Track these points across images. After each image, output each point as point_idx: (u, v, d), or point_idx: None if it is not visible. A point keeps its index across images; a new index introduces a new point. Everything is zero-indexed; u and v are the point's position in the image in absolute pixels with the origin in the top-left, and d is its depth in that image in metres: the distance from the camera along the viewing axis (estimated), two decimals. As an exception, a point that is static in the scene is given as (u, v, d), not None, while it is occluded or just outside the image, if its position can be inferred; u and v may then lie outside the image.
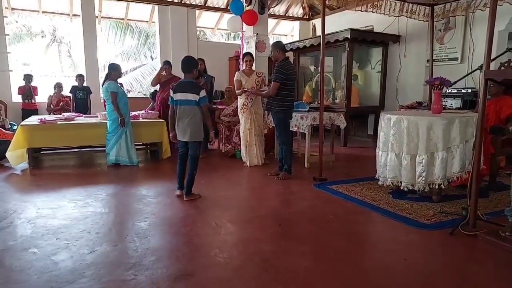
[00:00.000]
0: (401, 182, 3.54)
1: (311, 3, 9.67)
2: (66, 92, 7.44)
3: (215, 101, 6.86)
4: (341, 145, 7.10)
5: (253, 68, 5.32)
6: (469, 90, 5.79)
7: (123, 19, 9.93)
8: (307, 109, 5.53)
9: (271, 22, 9.89)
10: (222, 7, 9.30)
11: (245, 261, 2.39)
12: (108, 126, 5.18)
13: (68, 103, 7.32)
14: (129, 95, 7.62)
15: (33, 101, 7.28)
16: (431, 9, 5.30)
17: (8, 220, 3.08)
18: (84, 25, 7.90)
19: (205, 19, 10.11)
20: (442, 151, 3.34)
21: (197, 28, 9.60)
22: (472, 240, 2.72)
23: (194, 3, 8.97)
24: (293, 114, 4.82)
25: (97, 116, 5.86)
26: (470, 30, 6.19)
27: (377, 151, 3.83)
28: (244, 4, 6.18)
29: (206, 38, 13.92)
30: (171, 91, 3.74)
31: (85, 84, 7.33)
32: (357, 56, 7.64)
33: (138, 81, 14.34)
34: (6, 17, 7.86)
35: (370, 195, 3.80)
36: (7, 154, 4.95)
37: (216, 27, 10.73)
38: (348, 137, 7.46)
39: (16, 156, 5.00)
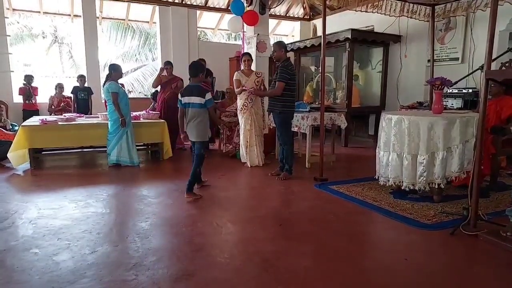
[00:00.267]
0: (402, 182, 3.54)
1: (312, 3, 9.67)
2: (67, 92, 7.45)
3: (215, 101, 6.85)
4: (342, 145, 7.10)
5: (253, 68, 5.31)
6: (470, 90, 5.79)
7: (124, 19, 9.94)
8: (308, 109, 5.52)
9: (272, 22, 9.89)
10: (222, 7, 9.31)
11: (246, 261, 2.39)
12: (109, 127, 5.19)
13: (69, 103, 7.33)
14: (130, 95, 7.65)
15: (33, 101, 7.29)
16: (431, 9, 5.30)
17: (9, 221, 3.09)
18: (85, 26, 7.91)
19: (206, 19, 10.12)
20: (443, 151, 3.34)
21: (198, 29, 9.61)
22: (473, 240, 2.72)
23: (194, 3, 8.98)
24: (294, 114, 4.81)
25: (98, 117, 5.87)
26: (471, 30, 6.19)
27: (377, 151, 3.83)
28: (245, 4, 6.18)
29: (207, 39, 13.94)
30: (179, 95, 3.87)
31: (86, 84, 7.33)
32: (357, 56, 7.64)
33: (139, 81, 14.38)
34: (7, 17, 7.87)
35: (371, 195, 3.80)
36: (9, 155, 4.96)
37: (216, 28, 10.74)
38: (349, 137, 7.46)
39: (18, 156, 5.01)
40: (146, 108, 6.86)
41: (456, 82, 3.57)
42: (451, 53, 6.52)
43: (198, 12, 9.26)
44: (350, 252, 2.57)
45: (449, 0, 5.15)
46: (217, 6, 9.30)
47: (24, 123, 5.29)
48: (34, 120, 5.56)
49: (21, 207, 3.45)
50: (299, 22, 10.31)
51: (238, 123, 5.82)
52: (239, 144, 5.52)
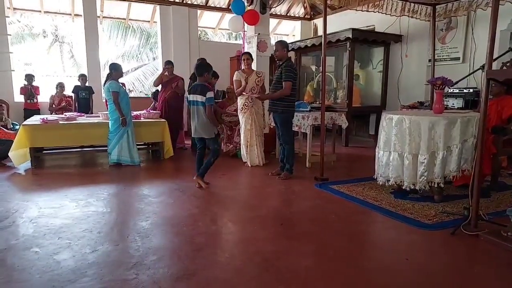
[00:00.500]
0: (403, 182, 3.54)
1: (313, 3, 9.66)
2: (68, 92, 7.45)
3: (216, 100, 6.84)
4: (343, 145, 7.10)
5: (253, 67, 5.31)
6: (471, 90, 5.78)
7: (124, 19, 9.94)
8: (308, 109, 5.52)
9: (273, 22, 9.88)
10: (223, 7, 9.31)
11: (247, 261, 2.39)
12: (109, 126, 5.19)
13: (70, 103, 7.33)
14: (130, 95, 7.66)
15: (35, 100, 7.29)
16: (432, 9, 5.29)
17: (10, 220, 3.09)
18: (86, 25, 7.91)
19: (207, 19, 10.12)
20: (443, 151, 3.34)
21: (199, 28, 9.61)
22: (474, 240, 2.72)
23: (195, 3, 8.98)
24: (295, 114, 4.81)
25: (99, 116, 5.87)
26: (472, 30, 6.18)
27: (377, 151, 3.82)
28: (246, 4, 6.18)
29: (208, 38, 13.94)
30: (186, 92, 3.94)
31: (87, 84, 7.34)
32: (358, 55, 7.64)
33: (140, 81, 14.39)
34: (8, 17, 7.86)
35: (371, 195, 3.80)
36: (10, 154, 4.97)
37: (217, 27, 10.73)
38: (350, 137, 7.46)
39: (19, 155, 5.01)
40: (147, 107, 6.86)
41: (457, 82, 3.57)
42: (452, 52, 6.51)
43: (199, 11, 9.25)
44: (351, 252, 2.57)
45: (450, 0, 5.15)
46: (217, 6, 9.29)
47: (25, 122, 5.29)
48: (35, 119, 5.56)
49: (21, 206, 3.45)
50: (300, 21, 10.30)
51: (239, 123, 5.83)
52: (239, 144, 5.52)
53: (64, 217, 3.14)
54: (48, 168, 5.28)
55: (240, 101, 5.22)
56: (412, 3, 5.37)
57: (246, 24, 6.38)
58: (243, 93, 4.99)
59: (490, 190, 3.89)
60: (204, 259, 2.40)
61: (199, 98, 3.91)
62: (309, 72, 9.19)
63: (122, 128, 5.12)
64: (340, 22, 8.07)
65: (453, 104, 5.92)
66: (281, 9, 9.78)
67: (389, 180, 3.64)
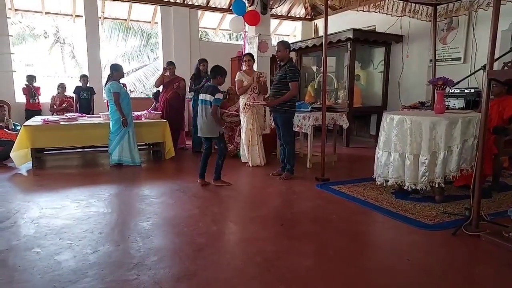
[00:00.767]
0: (404, 182, 3.53)
1: (313, 3, 9.66)
2: (69, 92, 7.46)
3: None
4: (344, 145, 7.09)
5: (255, 68, 5.32)
6: (472, 90, 5.78)
7: (125, 19, 9.95)
8: (309, 109, 5.52)
9: (274, 22, 9.88)
10: (224, 7, 9.31)
11: (247, 261, 2.39)
12: (110, 126, 5.20)
13: (71, 103, 7.34)
14: (131, 95, 7.66)
15: (37, 101, 7.30)
16: (433, 9, 5.29)
17: (11, 220, 3.10)
18: (87, 26, 7.92)
19: (208, 19, 10.12)
20: (444, 151, 3.34)
21: (200, 29, 9.62)
22: (475, 241, 2.71)
23: (196, 3, 8.98)
24: (295, 114, 4.81)
25: (100, 117, 5.88)
26: (473, 30, 6.18)
27: (376, 151, 3.82)
28: (247, 4, 6.18)
29: (209, 39, 13.95)
30: (188, 93, 4.02)
31: (88, 84, 7.35)
32: (359, 56, 7.63)
33: (141, 81, 14.41)
34: (9, 18, 7.87)
35: (372, 195, 3.80)
36: (11, 154, 4.98)
37: (218, 28, 10.74)
38: (351, 137, 7.45)
39: (20, 156, 5.02)
40: (148, 108, 6.86)
41: (458, 82, 3.57)
42: (453, 53, 6.51)
43: (200, 12, 9.26)
44: (352, 252, 2.57)
45: (451, 0, 5.14)
46: (218, 6, 9.29)
47: (26, 123, 5.31)
48: (36, 120, 5.57)
49: (23, 206, 3.45)
50: (301, 22, 10.31)
51: (239, 123, 5.83)
52: (240, 144, 5.52)
53: (65, 218, 3.15)
54: (49, 168, 5.28)
55: (241, 101, 5.24)
56: (413, 4, 5.36)
57: (247, 25, 6.39)
58: (252, 102, 5.01)
59: (492, 191, 3.88)
60: (205, 260, 2.40)
61: (208, 97, 4.03)
62: (310, 73, 9.18)
63: (123, 129, 5.13)
64: (341, 22, 8.06)
65: (454, 104, 5.91)
66: (282, 9, 9.77)
67: (388, 181, 3.64)
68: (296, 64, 7.82)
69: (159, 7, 8.75)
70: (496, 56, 2.78)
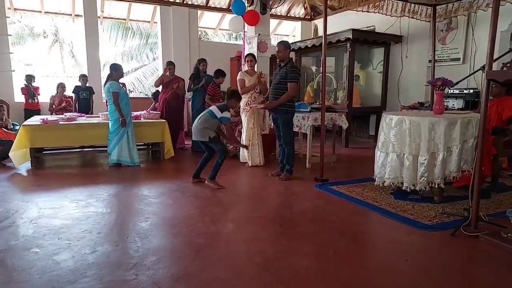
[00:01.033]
0: (401, 183, 3.54)
1: (313, 4, 9.66)
2: (68, 92, 7.45)
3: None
4: (343, 146, 7.10)
5: (255, 69, 5.34)
6: (471, 91, 5.78)
7: (125, 19, 9.94)
8: (308, 110, 5.53)
9: (273, 22, 9.88)
10: (224, 7, 9.31)
11: (247, 261, 2.39)
12: (109, 126, 5.19)
13: (70, 103, 7.33)
14: (130, 95, 7.65)
15: (36, 101, 7.29)
16: (433, 10, 5.29)
17: (10, 220, 3.09)
18: (86, 26, 7.92)
19: (207, 19, 10.12)
20: (443, 151, 3.34)
21: (199, 29, 9.61)
22: (474, 241, 2.71)
23: (196, 3, 8.98)
24: (295, 114, 4.81)
25: (99, 116, 5.87)
26: (472, 31, 6.18)
27: (375, 151, 3.82)
28: (246, 4, 6.18)
29: (208, 39, 13.94)
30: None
31: (87, 84, 7.34)
32: (358, 56, 7.64)
33: (140, 81, 14.40)
34: (9, 17, 7.86)
35: (371, 196, 3.80)
36: (10, 154, 4.97)
37: (218, 28, 10.74)
38: (350, 138, 7.45)
39: (19, 156, 5.01)
40: (147, 107, 6.86)
41: (457, 83, 3.57)
42: (452, 53, 6.51)
43: (199, 12, 9.26)
44: (351, 253, 2.57)
45: (450, 0, 5.15)
46: (218, 6, 9.29)
47: (25, 123, 5.29)
48: (35, 120, 5.56)
49: (21, 206, 3.45)
50: (300, 22, 10.31)
51: (239, 123, 5.83)
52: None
53: (64, 218, 3.14)
54: (48, 168, 5.28)
55: (242, 100, 5.24)
56: (412, 4, 5.37)
57: (246, 25, 6.39)
58: (251, 106, 5.02)
59: (490, 191, 3.88)
60: (204, 260, 2.40)
61: (215, 111, 4.11)
62: (309, 73, 9.19)
63: (122, 129, 5.12)
64: (340, 22, 8.07)
65: (453, 105, 5.92)
66: (281, 9, 9.78)
67: (385, 182, 3.64)
68: (296, 64, 7.83)
69: (158, 7, 8.75)
70: (495, 57, 2.78)
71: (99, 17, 8.65)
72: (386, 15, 5.45)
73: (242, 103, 5.26)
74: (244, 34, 6.66)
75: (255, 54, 6.30)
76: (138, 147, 5.52)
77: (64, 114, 6.20)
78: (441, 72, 5.56)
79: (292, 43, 8.62)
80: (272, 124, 5.16)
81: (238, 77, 5.25)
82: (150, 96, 8.63)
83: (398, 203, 3.55)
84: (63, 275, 2.17)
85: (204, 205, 3.59)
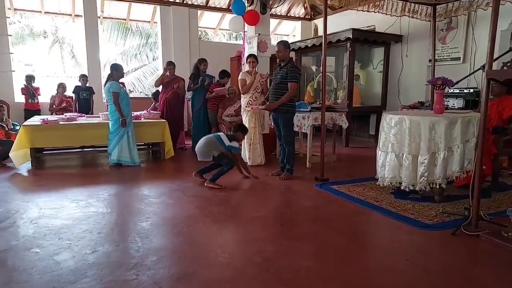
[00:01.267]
0: (400, 183, 3.53)
1: (313, 3, 9.66)
2: (68, 92, 7.45)
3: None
4: (343, 145, 7.09)
5: (256, 69, 5.36)
6: (471, 90, 5.78)
7: (125, 19, 9.94)
8: (309, 109, 5.53)
9: (273, 22, 9.87)
10: (223, 7, 9.31)
11: (247, 261, 2.39)
12: (110, 126, 5.20)
13: (71, 103, 7.33)
14: (130, 95, 7.65)
15: (36, 101, 7.29)
16: (433, 9, 5.29)
17: (10, 220, 3.09)
18: (86, 26, 7.92)
19: (207, 19, 10.12)
20: (444, 151, 3.33)
21: (199, 28, 9.61)
22: (475, 241, 2.71)
23: (196, 3, 8.98)
24: (295, 114, 4.81)
25: (99, 116, 5.87)
26: (473, 30, 6.18)
27: (377, 151, 3.82)
28: (246, 4, 6.17)
29: (208, 38, 13.93)
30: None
31: (88, 84, 7.34)
32: (359, 56, 7.63)
33: (140, 81, 14.38)
34: (9, 17, 7.87)
35: (372, 195, 3.80)
36: (11, 154, 4.97)
37: (218, 27, 10.74)
38: (350, 137, 7.45)
39: (19, 156, 5.01)
40: (147, 107, 6.86)
41: (457, 82, 3.57)
42: (452, 53, 6.51)
43: (199, 12, 9.25)
44: (351, 252, 2.57)
45: (450, 0, 5.14)
46: (218, 6, 9.29)
47: (25, 123, 5.29)
48: (35, 120, 5.56)
49: (22, 206, 3.45)
50: (300, 22, 10.30)
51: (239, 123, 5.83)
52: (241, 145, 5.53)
53: (64, 218, 3.14)
54: (49, 168, 5.28)
55: (244, 100, 5.27)
56: (412, 3, 5.36)
57: (246, 25, 6.38)
58: (252, 107, 5.03)
59: (491, 191, 3.89)
60: (204, 260, 2.40)
61: (223, 138, 4.28)
62: (309, 72, 9.18)
63: (122, 129, 5.12)
64: (341, 22, 8.06)
65: (453, 104, 5.92)
66: (281, 9, 9.77)
67: (385, 181, 3.64)
68: (296, 64, 7.83)
69: (158, 7, 8.75)
70: (495, 56, 2.78)
71: (99, 17, 8.65)
72: (386, 14, 5.44)
73: (243, 103, 5.28)
74: (244, 34, 6.65)
75: (256, 54, 6.31)
76: (138, 147, 5.52)
77: (64, 114, 6.20)
78: (441, 71, 5.56)
79: (292, 42, 8.62)
80: (272, 124, 5.17)
81: (239, 77, 5.28)
82: (150, 96, 8.63)
83: (399, 203, 3.55)
84: (64, 275, 2.17)
85: (204, 205, 3.59)
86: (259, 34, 6.08)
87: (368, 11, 5.26)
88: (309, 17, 10.22)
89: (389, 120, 3.64)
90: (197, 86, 6.24)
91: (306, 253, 2.53)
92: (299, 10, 10.13)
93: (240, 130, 4.55)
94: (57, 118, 5.50)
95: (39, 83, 7.65)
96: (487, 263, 2.45)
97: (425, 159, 3.38)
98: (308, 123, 5.00)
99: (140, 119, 5.76)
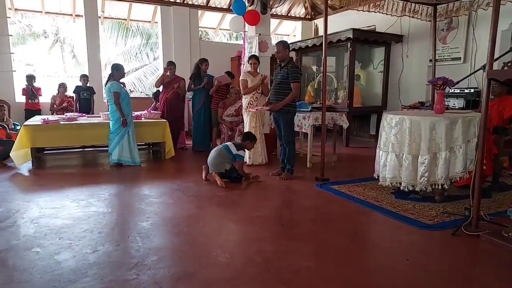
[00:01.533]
0: (400, 183, 3.53)
1: (313, 3, 9.66)
2: (69, 92, 7.46)
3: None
4: (343, 145, 7.09)
5: (258, 70, 5.39)
6: (472, 90, 5.77)
7: (125, 19, 9.95)
8: (309, 109, 5.53)
9: (273, 22, 9.87)
10: (224, 7, 9.31)
11: (247, 261, 2.39)
12: (110, 126, 5.20)
13: (71, 103, 7.34)
14: (131, 95, 7.65)
15: (36, 101, 7.30)
16: (433, 9, 5.28)
17: (11, 220, 3.10)
18: (86, 26, 7.92)
19: (208, 19, 10.12)
20: (445, 151, 3.33)
21: (200, 28, 9.62)
22: (475, 241, 2.71)
23: (196, 3, 8.98)
24: (296, 114, 4.81)
25: (99, 116, 5.88)
26: (473, 30, 6.17)
27: (377, 150, 3.82)
28: (246, 4, 6.18)
29: (209, 38, 13.94)
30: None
31: (88, 84, 7.35)
32: (359, 56, 7.63)
33: (141, 81, 14.39)
34: (9, 17, 7.87)
35: (372, 195, 3.80)
36: (11, 154, 4.97)
37: (218, 27, 10.74)
38: (350, 137, 7.45)
39: (20, 156, 5.01)
40: (148, 107, 6.87)
41: (458, 82, 3.56)
42: (453, 53, 6.51)
43: (200, 12, 9.25)
44: (352, 252, 2.57)
45: (451, 0, 5.14)
46: (218, 6, 9.29)
47: (26, 123, 5.30)
48: (36, 120, 5.56)
49: (23, 206, 3.45)
50: (301, 21, 10.30)
51: (240, 123, 5.84)
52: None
53: (65, 218, 3.15)
54: (49, 168, 5.28)
55: (245, 100, 5.28)
56: (413, 3, 5.36)
57: (246, 24, 6.38)
58: (258, 108, 5.04)
59: (491, 191, 3.88)
60: (204, 259, 2.40)
61: (232, 147, 4.39)
62: (309, 72, 9.18)
63: (123, 129, 5.13)
64: (341, 22, 8.06)
65: (454, 104, 5.91)
66: (281, 9, 9.77)
67: (386, 181, 3.63)
68: (296, 64, 7.83)
69: (159, 7, 8.75)
70: (496, 56, 2.77)
71: (99, 17, 8.65)
72: (387, 14, 5.44)
73: (244, 103, 5.29)
74: (244, 34, 6.66)
75: (256, 54, 6.32)
76: (139, 147, 5.53)
77: (65, 114, 6.21)
78: (442, 71, 5.55)
79: (293, 42, 8.62)
80: (273, 124, 5.17)
81: (241, 78, 5.30)
82: (150, 96, 8.64)
83: (399, 203, 3.55)
84: (64, 274, 2.17)
85: (205, 205, 3.59)
86: (260, 34, 6.08)
87: (368, 11, 5.26)
88: (309, 17, 10.22)
89: (389, 120, 3.64)
90: (199, 87, 6.25)
91: (306, 253, 2.53)
92: (299, 10, 10.13)
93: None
94: (57, 118, 5.50)
95: (40, 83, 7.65)
96: (488, 263, 2.45)
97: (425, 159, 3.37)
98: (309, 123, 5.00)
99: (141, 119, 5.76)
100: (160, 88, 6.60)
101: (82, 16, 8.05)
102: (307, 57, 9.12)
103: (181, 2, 8.76)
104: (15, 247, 2.57)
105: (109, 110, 5.25)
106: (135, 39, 14.86)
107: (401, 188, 3.55)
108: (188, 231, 2.91)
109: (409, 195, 3.71)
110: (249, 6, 6.11)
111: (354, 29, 6.90)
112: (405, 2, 5.34)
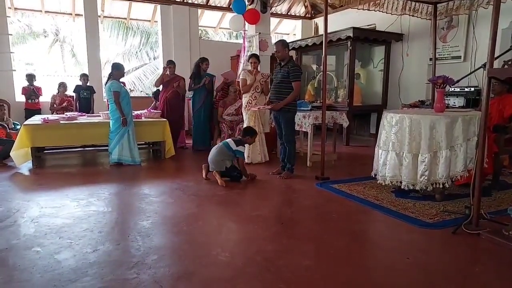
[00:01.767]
0: (401, 182, 3.53)
1: (313, 2, 9.64)
2: (69, 91, 7.46)
3: (215, 99, 6.83)
4: (343, 144, 7.09)
5: (258, 69, 5.38)
6: (472, 89, 5.77)
7: (125, 18, 9.94)
8: (309, 108, 5.52)
9: (273, 21, 9.88)
10: (224, 6, 9.30)
11: (247, 260, 2.39)
12: (110, 125, 5.20)
13: (71, 102, 7.34)
14: (131, 94, 7.65)
15: (36, 101, 7.30)
16: (434, 7, 5.27)
17: (11, 219, 3.10)
18: (86, 25, 7.93)
19: (207, 18, 10.11)
20: (446, 150, 3.33)
21: (199, 27, 9.61)
22: (475, 239, 2.71)
23: (196, 2, 8.97)
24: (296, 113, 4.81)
25: (99, 116, 5.88)
26: (473, 28, 6.17)
27: (376, 149, 3.81)
28: (246, 3, 6.17)
29: (208, 37, 13.93)
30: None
31: (88, 83, 7.35)
32: (359, 54, 7.62)
33: (141, 80, 14.39)
34: (9, 16, 7.86)
35: (372, 194, 3.79)
36: (12, 154, 4.97)
37: (218, 26, 10.74)
38: (350, 136, 7.45)
39: (20, 155, 5.01)
40: (148, 106, 6.86)
41: (458, 81, 3.56)
42: (453, 51, 6.50)
43: (200, 10, 9.25)
44: (352, 251, 2.57)
45: (451, -2, 5.13)
46: (218, 5, 9.29)
47: (26, 122, 5.30)
48: (36, 119, 5.56)
49: (23, 205, 3.45)
50: (301, 20, 10.29)
51: (239, 122, 5.84)
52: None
53: (65, 217, 3.15)
54: (49, 167, 5.28)
55: (244, 99, 5.27)
56: (413, 2, 5.35)
57: (246, 23, 6.37)
58: (259, 107, 5.04)
59: (492, 189, 3.88)
60: (205, 258, 2.40)
61: (232, 144, 4.38)
62: (310, 71, 9.18)
63: (123, 128, 5.13)
64: (341, 21, 8.05)
65: (454, 103, 5.91)
66: (281, 8, 9.77)
67: (386, 179, 3.63)
68: (296, 62, 7.82)
69: (159, 6, 8.75)
70: (496, 55, 2.77)
71: (99, 16, 8.65)
72: (387, 13, 5.43)
73: (243, 102, 5.28)
74: (244, 33, 6.65)
75: (257, 53, 6.31)
76: (139, 146, 5.52)
77: (65, 113, 6.21)
78: (442, 70, 5.55)
79: (293, 41, 8.62)
80: (273, 123, 5.16)
81: (240, 76, 5.30)
82: (150, 95, 8.64)
83: (399, 201, 3.55)
84: (65, 274, 2.17)
85: (204, 204, 3.59)
86: (260, 33, 6.07)
87: (368, 9, 5.25)
88: (309, 16, 10.21)
89: (389, 119, 3.64)
90: (199, 86, 6.25)
91: (306, 252, 2.53)
92: (299, 9, 10.12)
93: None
94: (57, 118, 5.50)
95: (39, 83, 7.65)
96: (488, 262, 2.45)
97: (425, 158, 3.37)
98: (309, 122, 4.99)
99: (141, 118, 5.76)
100: (160, 87, 6.60)
101: (82, 15, 8.05)
102: (307, 56, 9.11)
103: (181, 1, 8.75)
104: (15, 246, 2.57)
105: (109, 109, 5.25)
106: (135, 38, 14.86)
107: (401, 187, 3.54)
108: (188, 230, 2.91)
109: (409, 194, 3.71)
110: (249, 5, 6.10)
111: (354, 28, 6.89)
112: (405, 1, 5.33)
